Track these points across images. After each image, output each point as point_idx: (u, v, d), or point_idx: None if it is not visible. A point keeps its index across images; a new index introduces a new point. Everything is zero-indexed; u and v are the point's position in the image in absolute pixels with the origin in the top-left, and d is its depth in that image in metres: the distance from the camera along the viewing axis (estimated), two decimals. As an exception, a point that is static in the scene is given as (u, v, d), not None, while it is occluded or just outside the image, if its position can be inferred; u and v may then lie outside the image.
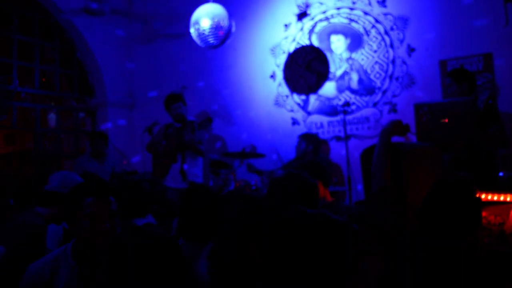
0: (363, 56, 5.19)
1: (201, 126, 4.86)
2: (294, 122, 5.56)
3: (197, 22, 4.85)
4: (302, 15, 5.52)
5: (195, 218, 2.10)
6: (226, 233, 1.59)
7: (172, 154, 4.87)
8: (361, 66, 5.20)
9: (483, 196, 2.73)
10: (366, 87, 5.18)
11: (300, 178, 2.19)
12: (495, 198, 2.80)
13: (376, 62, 5.12)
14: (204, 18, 4.80)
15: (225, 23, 4.79)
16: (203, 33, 4.82)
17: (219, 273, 1.57)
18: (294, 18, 5.61)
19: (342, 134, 5.14)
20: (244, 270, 1.40)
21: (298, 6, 5.58)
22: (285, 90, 5.64)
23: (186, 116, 4.96)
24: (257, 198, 1.85)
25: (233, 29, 4.97)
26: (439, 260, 1.64)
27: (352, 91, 5.25)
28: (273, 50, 5.73)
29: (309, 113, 5.48)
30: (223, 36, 4.84)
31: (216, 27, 4.77)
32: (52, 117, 6.32)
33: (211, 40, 4.84)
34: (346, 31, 5.30)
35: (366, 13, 5.17)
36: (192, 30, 4.92)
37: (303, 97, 5.52)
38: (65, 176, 2.68)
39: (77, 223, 1.88)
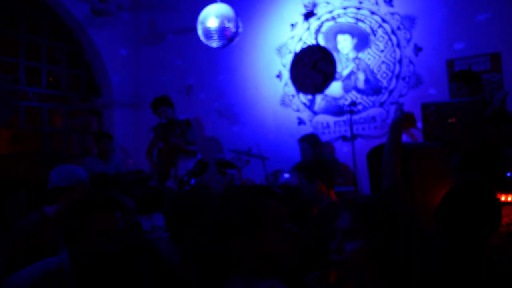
0: (369, 56, 5.17)
1: (190, 124, 4.87)
2: (300, 122, 5.54)
3: (204, 21, 4.85)
4: (309, 15, 5.51)
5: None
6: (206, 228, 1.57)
7: (167, 157, 4.87)
8: (368, 66, 5.18)
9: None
10: (372, 87, 5.15)
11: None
12: (503, 198, 2.78)
13: (383, 62, 5.10)
14: (212, 18, 4.80)
15: (232, 23, 4.79)
16: (210, 33, 4.82)
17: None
18: (300, 18, 5.60)
19: (348, 134, 5.12)
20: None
21: (305, 6, 5.56)
22: (291, 89, 5.62)
23: (175, 118, 4.95)
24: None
25: (240, 29, 4.97)
26: (456, 260, 1.64)
27: (359, 91, 5.22)
28: (279, 50, 5.72)
29: (315, 113, 5.47)
30: (229, 36, 4.84)
31: (223, 27, 4.77)
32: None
33: (217, 39, 4.84)
34: (352, 31, 5.27)
35: (373, 13, 5.15)
36: (199, 29, 4.92)
37: (310, 97, 5.50)
38: (62, 170, 2.70)
39: (81, 239, 1.66)
